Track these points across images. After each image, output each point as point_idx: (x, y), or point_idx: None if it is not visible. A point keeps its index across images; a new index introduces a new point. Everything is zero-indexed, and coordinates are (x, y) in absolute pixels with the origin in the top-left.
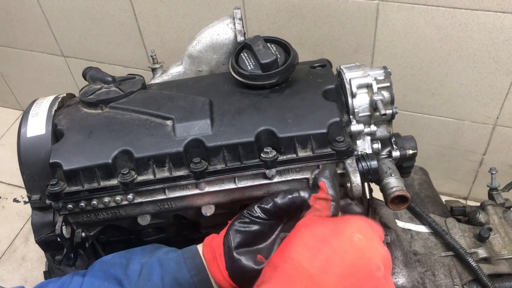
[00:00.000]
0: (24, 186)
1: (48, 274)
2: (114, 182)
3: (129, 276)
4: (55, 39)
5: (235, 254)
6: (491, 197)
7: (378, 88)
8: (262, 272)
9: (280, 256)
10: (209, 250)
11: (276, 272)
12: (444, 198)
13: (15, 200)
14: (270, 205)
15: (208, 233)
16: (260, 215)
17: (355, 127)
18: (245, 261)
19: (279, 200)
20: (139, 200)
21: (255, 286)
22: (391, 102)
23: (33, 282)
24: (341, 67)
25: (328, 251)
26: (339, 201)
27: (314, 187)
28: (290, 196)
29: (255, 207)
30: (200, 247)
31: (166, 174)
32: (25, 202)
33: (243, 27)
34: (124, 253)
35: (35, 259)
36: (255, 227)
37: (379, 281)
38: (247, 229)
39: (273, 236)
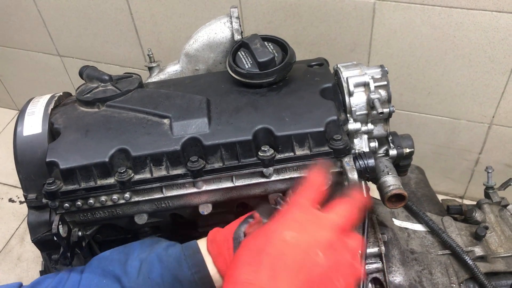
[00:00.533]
0: (19, 186)
1: (44, 274)
2: (111, 181)
3: (128, 273)
4: (51, 38)
5: None
6: (487, 195)
7: (375, 86)
8: None
9: (229, 282)
10: (215, 246)
11: None
12: (440, 197)
13: (11, 200)
14: (284, 207)
15: (205, 232)
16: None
17: (352, 125)
18: None
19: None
20: (136, 199)
21: None
22: (388, 100)
23: (29, 282)
24: (338, 65)
25: (268, 260)
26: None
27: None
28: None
29: (270, 207)
30: (200, 243)
31: (163, 172)
32: (20, 202)
33: (240, 25)
34: (122, 249)
35: (31, 259)
36: None
37: (323, 265)
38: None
39: None
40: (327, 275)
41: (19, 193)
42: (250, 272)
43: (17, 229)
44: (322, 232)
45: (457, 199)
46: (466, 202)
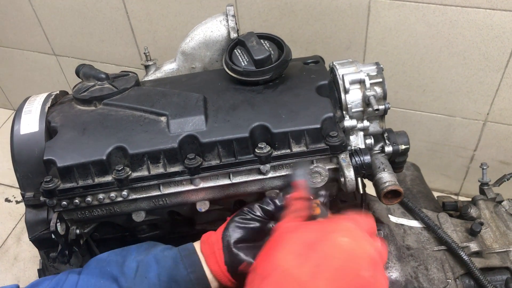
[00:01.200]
0: (16, 186)
1: (42, 272)
2: (108, 178)
3: (125, 274)
4: (47, 37)
5: (233, 248)
6: (482, 192)
7: (371, 83)
8: (247, 280)
9: (267, 265)
10: (207, 247)
11: (265, 282)
12: (436, 194)
13: (7, 200)
14: (270, 206)
15: (203, 229)
16: (261, 215)
17: (348, 122)
18: (244, 256)
19: (278, 202)
20: (133, 196)
21: None
22: (383, 97)
23: (26, 282)
24: (334, 63)
25: (316, 257)
26: (325, 197)
27: (287, 187)
28: (288, 196)
29: (256, 206)
30: (196, 244)
31: (160, 170)
32: (17, 202)
33: (236, 24)
34: (120, 251)
35: (28, 259)
36: (254, 224)
37: (366, 280)
38: (246, 225)
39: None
40: None
41: (15, 193)
42: (294, 262)
43: (13, 228)
44: (371, 249)
45: (453, 196)
46: (461, 199)
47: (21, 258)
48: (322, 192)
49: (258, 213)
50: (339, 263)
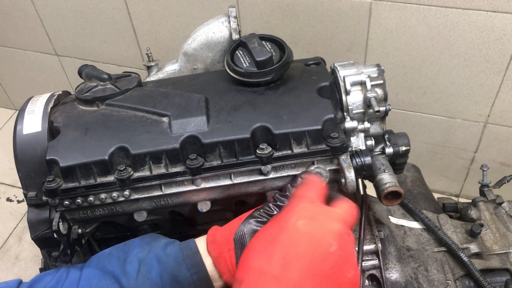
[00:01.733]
0: (17, 185)
1: (44, 271)
2: (110, 178)
3: (128, 273)
4: (49, 38)
5: None
6: (482, 193)
7: (372, 85)
8: None
9: (241, 269)
10: (215, 247)
11: (243, 285)
12: (436, 196)
13: (8, 199)
14: (285, 202)
15: (203, 229)
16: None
17: (349, 123)
18: None
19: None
20: (135, 196)
21: None
22: (384, 99)
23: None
24: (335, 64)
25: (281, 248)
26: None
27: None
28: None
29: (271, 205)
30: (199, 242)
31: (162, 170)
32: (18, 201)
33: (238, 25)
34: (122, 246)
35: (29, 258)
36: None
37: (335, 255)
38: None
39: None
40: (339, 265)
41: (16, 192)
42: (262, 260)
43: (15, 228)
44: (333, 223)
45: (453, 198)
46: (462, 200)
47: (22, 257)
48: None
49: (275, 213)
50: (303, 247)
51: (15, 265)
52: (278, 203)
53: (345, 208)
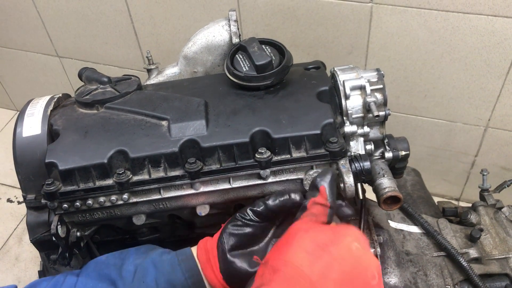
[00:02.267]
0: (18, 186)
1: (42, 274)
2: (109, 182)
3: (124, 277)
4: (50, 39)
5: (229, 256)
6: (482, 198)
7: (371, 90)
8: (257, 273)
9: (279, 259)
10: (203, 253)
11: (276, 275)
12: (436, 199)
13: (9, 200)
14: (261, 208)
15: (202, 233)
16: (252, 218)
17: (348, 128)
18: (239, 263)
19: (270, 202)
20: (134, 200)
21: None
22: (384, 103)
23: (27, 282)
24: (335, 69)
25: (328, 258)
26: (336, 208)
27: (313, 189)
28: (281, 199)
29: (247, 210)
30: (194, 249)
31: (161, 174)
32: (19, 202)
33: (238, 29)
34: (119, 254)
35: (29, 259)
36: (248, 230)
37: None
38: (240, 231)
39: (267, 239)
40: None
41: (17, 193)
42: (305, 260)
43: (15, 229)
44: (376, 260)
45: (453, 201)
46: (462, 204)
47: (22, 258)
48: (340, 202)
49: (249, 217)
50: (349, 266)
51: (15, 266)
52: (256, 208)
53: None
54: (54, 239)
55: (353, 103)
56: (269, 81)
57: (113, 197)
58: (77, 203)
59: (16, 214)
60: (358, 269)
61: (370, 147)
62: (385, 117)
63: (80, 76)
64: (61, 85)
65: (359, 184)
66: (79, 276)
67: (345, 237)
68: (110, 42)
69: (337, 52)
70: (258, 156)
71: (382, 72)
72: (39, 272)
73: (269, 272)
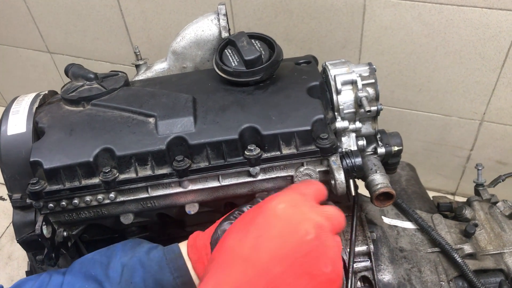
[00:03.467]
0: None
1: (30, 274)
2: (95, 180)
3: (111, 278)
4: (41, 35)
5: None
6: (477, 193)
7: (363, 84)
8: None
9: (216, 249)
10: (195, 251)
11: (214, 263)
12: (432, 194)
13: (1, 198)
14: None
15: (193, 231)
16: None
17: (340, 124)
18: None
19: None
20: (121, 198)
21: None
22: (376, 98)
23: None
24: (326, 63)
25: (255, 229)
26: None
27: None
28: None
29: (247, 207)
30: (182, 246)
31: (148, 172)
32: None
33: (227, 23)
34: (105, 251)
35: (22, 258)
36: None
37: (311, 244)
38: None
39: None
40: (314, 255)
41: None
42: (235, 240)
43: (7, 227)
44: (316, 215)
45: (449, 196)
46: (458, 198)
47: (15, 257)
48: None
49: None
50: (278, 230)
51: (7, 264)
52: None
53: (333, 211)
54: (39, 239)
55: (345, 98)
56: (258, 76)
57: (100, 196)
58: (63, 203)
59: (8, 212)
60: (288, 229)
61: (362, 142)
62: (377, 112)
63: (66, 72)
64: (53, 81)
65: (351, 180)
66: (65, 275)
67: (269, 203)
68: (101, 38)
69: (330, 46)
70: (248, 153)
71: (374, 66)
72: (26, 272)
73: (209, 264)
